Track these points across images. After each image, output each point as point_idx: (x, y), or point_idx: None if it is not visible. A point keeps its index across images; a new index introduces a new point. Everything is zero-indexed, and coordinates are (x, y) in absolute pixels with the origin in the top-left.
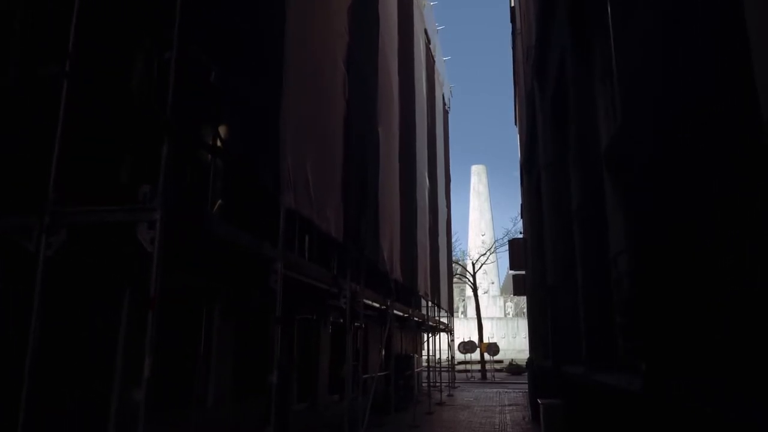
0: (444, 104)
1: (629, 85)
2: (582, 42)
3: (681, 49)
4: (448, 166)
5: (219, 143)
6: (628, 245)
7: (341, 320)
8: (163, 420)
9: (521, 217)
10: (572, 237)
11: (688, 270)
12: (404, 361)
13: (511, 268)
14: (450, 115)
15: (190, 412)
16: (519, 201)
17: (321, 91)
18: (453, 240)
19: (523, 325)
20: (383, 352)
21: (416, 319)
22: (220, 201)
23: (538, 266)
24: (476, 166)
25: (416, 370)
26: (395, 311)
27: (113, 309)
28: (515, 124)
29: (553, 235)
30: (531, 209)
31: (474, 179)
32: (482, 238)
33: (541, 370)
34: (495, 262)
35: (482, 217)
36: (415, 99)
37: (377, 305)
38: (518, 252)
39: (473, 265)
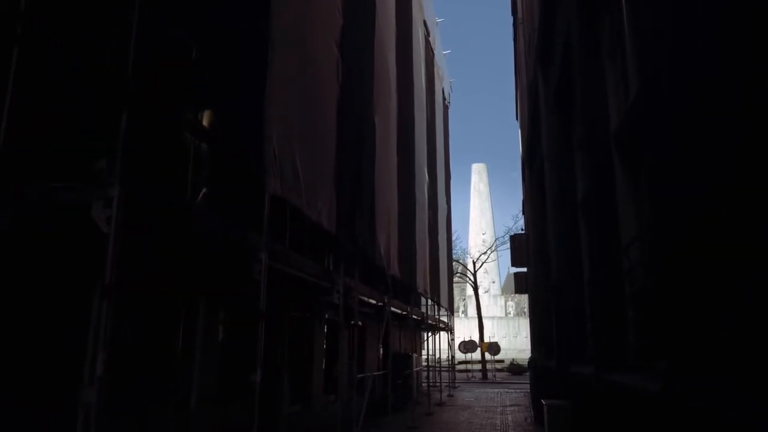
0: (444, 99)
1: (645, 48)
2: (590, 13)
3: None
4: (448, 162)
5: (204, 127)
6: (645, 232)
7: (338, 318)
8: (135, 422)
9: (523, 214)
10: (577, 230)
11: (716, 257)
12: (403, 361)
13: (513, 264)
14: (450, 115)
15: (170, 413)
16: (520, 201)
17: (311, 73)
18: (453, 238)
19: (524, 324)
20: (381, 351)
21: (415, 317)
22: (204, 190)
23: (540, 263)
24: (477, 164)
25: (415, 369)
26: (393, 308)
27: (79, 300)
28: (516, 119)
29: (558, 230)
30: (533, 204)
31: (474, 178)
32: (483, 237)
33: (545, 369)
34: (496, 261)
35: (483, 215)
36: (413, 91)
37: (374, 302)
38: (520, 248)
39: (474, 263)
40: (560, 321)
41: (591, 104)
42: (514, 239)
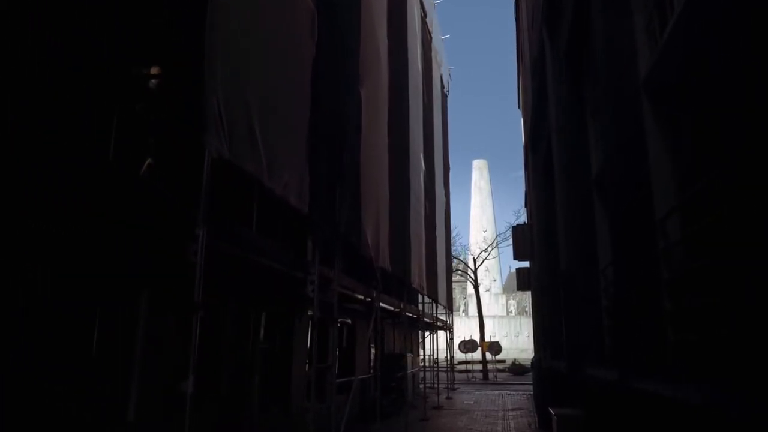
0: (442, 87)
1: None
2: None
3: None
4: (447, 153)
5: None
6: (692, 197)
7: (320, 314)
8: None
9: (525, 207)
10: (591, 211)
11: None
12: (396, 362)
13: (515, 258)
14: (451, 114)
15: (99, 429)
16: (521, 201)
17: (275, 23)
18: (453, 235)
19: (525, 323)
20: (373, 352)
21: (410, 314)
22: (149, 160)
23: (546, 254)
24: (477, 161)
25: (411, 371)
26: (384, 305)
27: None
28: (518, 107)
29: (568, 212)
30: (538, 191)
31: (475, 174)
32: (484, 234)
33: (552, 372)
34: (497, 257)
35: (484, 213)
36: (408, 71)
37: (361, 297)
38: (522, 239)
39: (474, 261)
40: (570, 316)
41: (614, 52)
42: (516, 230)
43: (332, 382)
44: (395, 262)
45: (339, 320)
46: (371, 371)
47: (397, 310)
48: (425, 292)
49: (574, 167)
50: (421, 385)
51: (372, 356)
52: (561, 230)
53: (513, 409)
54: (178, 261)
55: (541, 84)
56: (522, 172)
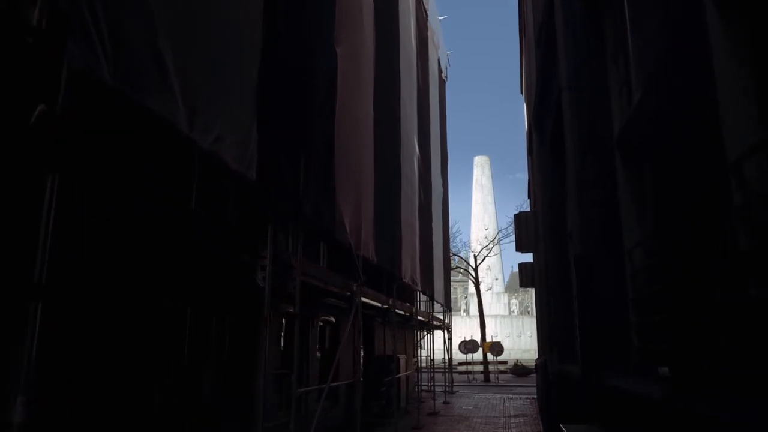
0: (440, 71)
1: None
2: None
3: None
4: (446, 143)
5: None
6: None
7: (308, 310)
8: None
9: (528, 197)
10: (613, 180)
11: None
12: (386, 364)
13: (518, 249)
14: (453, 113)
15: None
16: (523, 201)
17: None
18: (453, 231)
19: (528, 323)
20: (362, 353)
21: (400, 312)
22: (41, 105)
23: (553, 245)
24: (479, 157)
25: (404, 374)
26: (366, 299)
27: None
28: (521, 93)
29: (584, 185)
30: (544, 171)
31: (477, 171)
32: (485, 232)
33: (560, 378)
34: (499, 254)
35: (485, 210)
36: (399, 40)
37: (335, 289)
38: (526, 229)
39: (475, 258)
40: (585, 312)
41: None
42: (520, 217)
43: (295, 391)
44: (382, 252)
45: (322, 318)
46: (356, 376)
47: (384, 306)
48: (419, 287)
49: (590, 129)
50: (418, 388)
51: (359, 359)
52: (574, 208)
53: (516, 416)
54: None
55: (546, 50)
56: (521, 174)
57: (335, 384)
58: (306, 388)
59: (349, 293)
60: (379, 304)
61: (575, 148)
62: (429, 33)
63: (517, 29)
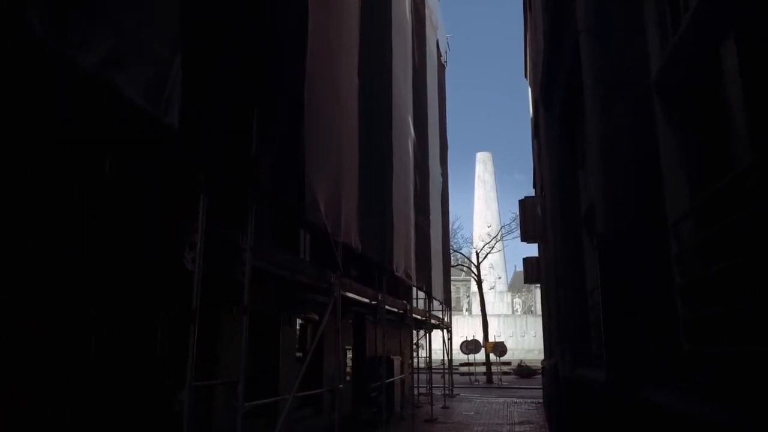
0: (439, 55)
1: None
2: None
3: None
4: (445, 131)
5: None
6: None
7: (307, 315)
8: None
9: (534, 187)
10: (652, 131)
11: None
12: (377, 367)
13: (523, 239)
14: (454, 112)
15: None
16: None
17: None
18: (454, 226)
19: (532, 322)
20: (350, 355)
21: (392, 309)
22: None
23: (563, 229)
24: (481, 153)
25: (400, 377)
26: (350, 294)
27: None
28: (525, 77)
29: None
30: (554, 150)
31: (479, 167)
32: (488, 229)
33: (575, 384)
34: (502, 251)
35: (488, 207)
36: (390, 14)
37: (306, 280)
38: (533, 216)
39: (477, 255)
40: (613, 305)
41: None
42: (526, 203)
43: (240, 405)
44: (368, 240)
45: (302, 315)
46: (347, 379)
47: (373, 302)
48: (414, 282)
49: (618, 72)
50: (416, 391)
51: (342, 361)
52: (598, 174)
53: (521, 423)
54: None
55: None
56: (521, 175)
57: (303, 394)
58: (259, 401)
59: (326, 285)
60: (367, 300)
61: (597, 103)
62: (427, 11)
63: (521, 29)
